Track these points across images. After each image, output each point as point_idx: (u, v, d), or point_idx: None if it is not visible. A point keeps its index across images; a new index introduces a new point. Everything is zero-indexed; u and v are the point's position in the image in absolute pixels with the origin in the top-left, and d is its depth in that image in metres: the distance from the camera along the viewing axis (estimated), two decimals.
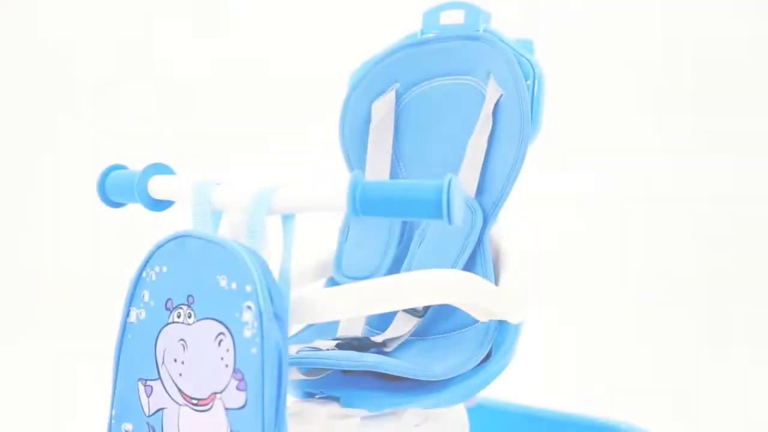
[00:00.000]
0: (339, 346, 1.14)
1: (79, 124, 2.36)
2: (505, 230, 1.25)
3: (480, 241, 1.20)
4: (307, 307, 0.96)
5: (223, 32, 2.49)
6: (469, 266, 1.20)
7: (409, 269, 1.22)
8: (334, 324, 1.25)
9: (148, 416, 0.97)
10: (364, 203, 0.90)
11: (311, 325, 1.28)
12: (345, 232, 1.29)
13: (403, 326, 1.19)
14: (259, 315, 0.89)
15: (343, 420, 1.09)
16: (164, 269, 0.96)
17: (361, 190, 0.90)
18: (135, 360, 0.98)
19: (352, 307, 0.97)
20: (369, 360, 1.06)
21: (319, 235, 1.31)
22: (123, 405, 0.99)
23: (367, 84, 1.33)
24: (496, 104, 1.23)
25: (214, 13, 2.48)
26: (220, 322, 0.92)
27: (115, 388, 1.00)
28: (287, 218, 0.97)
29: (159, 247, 0.97)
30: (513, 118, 1.21)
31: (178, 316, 0.95)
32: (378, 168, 1.31)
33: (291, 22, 2.51)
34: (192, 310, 0.94)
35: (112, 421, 1.00)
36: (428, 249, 1.22)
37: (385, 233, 1.27)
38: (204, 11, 2.48)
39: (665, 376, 2.24)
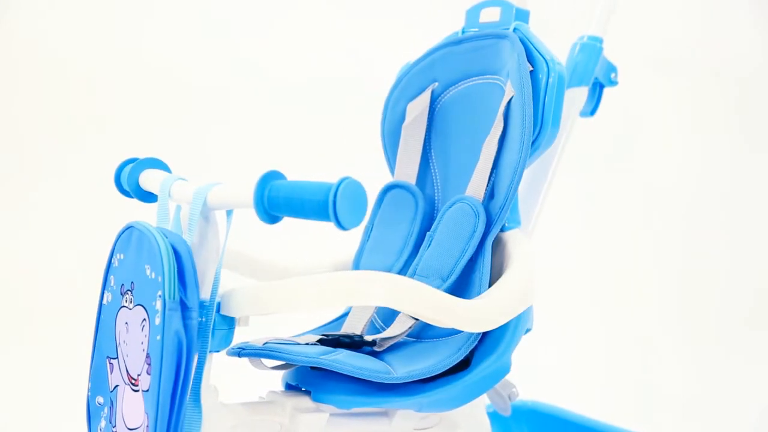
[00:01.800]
0: (321, 342, 1.16)
1: (75, 125, 2.39)
2: (517, 235, 1.20)
3: (482, 245, 1.17)
4: (233, 301, 0.99)
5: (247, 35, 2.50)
6: (469, 270, 1.17)
7: (414, 271, 1.21)
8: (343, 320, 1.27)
9: (110, 391, 1.05)
10: (271, 203, 0.92)
11: (335, 320, 1.30)
12: (368, 231, 1.30)
13: (400, 326, 1.18)
14: (164, 304, 0.93)
15: (310, 414, 1.10)
16: (122, 256, 1.04)
17: (268, 191, 0.92)
18: (105, 339, 1.07)
19: (266, 303, 0.99)
20: (325, 358, 1.07)
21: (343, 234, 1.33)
22: (96, 380, 1.08)
23: (407, 83, 1.33)
24: (508, 105, 1.19)
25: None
26: (145, 308, 0.97)
27: (91, 363, 1.09)
28: (228, 213, 1.01)
29: (119, 235, 1.05)
30: (518, 120, 1.17)
31: (126, 301, 1.02)
32: (406, 167, 1.30)
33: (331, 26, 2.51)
34: (133, 295, 1.00)
35: (89, 393, 1.09)
36: (434, 251, 1.20)
37: (404, 234, 1.27)
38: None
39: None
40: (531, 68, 1.19)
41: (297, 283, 1.00)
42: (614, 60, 1.36)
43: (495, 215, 1.18)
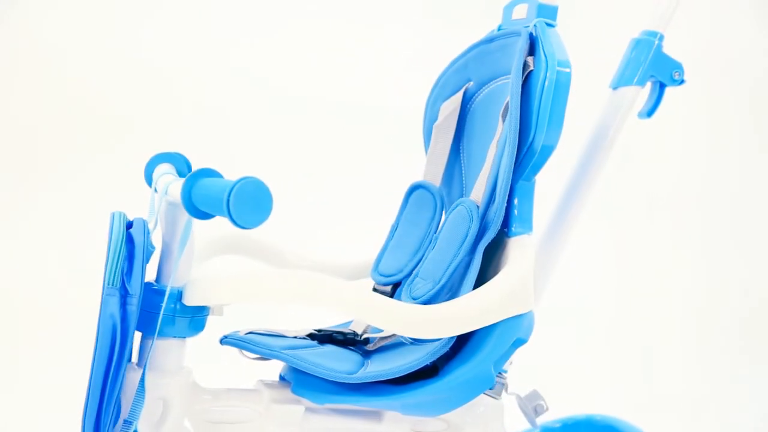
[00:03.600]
0: (311, 336, 1.18)
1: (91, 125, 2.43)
2: (521, 242, 1.15)
3: (473, 250, 1.13)
4: (193, 290, 1.04)
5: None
6: (462, 275, 1.14)
7: (417, 273, 1.19)
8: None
9: None
10: (197, 200, 0.96)
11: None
12: (393, 230, 1.30)
13: None
14: (102, 288, 1.00)
15: (284, 405, 1.13)
16: None
17: (193, 188, 0.96)
18: None
19: (222, 294, 1.03)
20: (287, 353, 1.09)
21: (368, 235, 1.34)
22: None
23: (444, 82, 1.31)
24: (505, 107, 1.14)
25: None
26: None
27: None
28: None
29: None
30: (509, 122, 1.12)
31: None
32: (433, 167, 1.29)
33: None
34: None
35: None
36: (434, 254, 1.18)
37: (422, 234, 1.25)
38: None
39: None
40: (532, 68, 1.14)
41: (252, 277, 1.04)
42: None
43: (491, 220, 1.14)
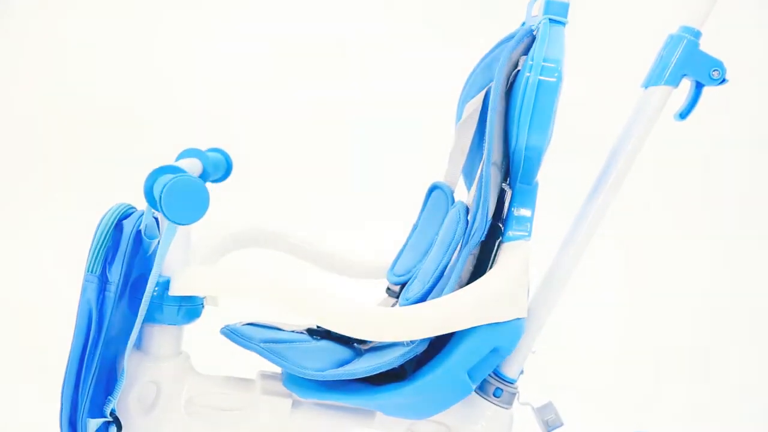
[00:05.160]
0: (309, 332, 1.19)
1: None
2: (515, 247, 1.10)
3: (460, 252, 1.10)
4: (175, 281, 1.09)
5: None
6: (448, 278, 1.12)
7: (416, 274, 1.18)
8: None
9: None
10: (158, 195, 1.01)
11: None
12: (413, 229, 1.29)
13: None
14: (84, 275, 1.07)
15: (271, 396, 1.15)
16: None
17: (155, 185, 1.02)
18: None
19: (196, 287, 1.08)
20: (263, 346, 1.12)
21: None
22: None
23: (472, 82, 1.28)
24: None
25: None
26: None
27: None
28: None
29: None
30: (487, 124, 1.08)
31: None
32: (452, 167, 1.28)
33: None
34: None
35: None
36: (431, 255, 1.17)
37: (434, 234, 1.24)
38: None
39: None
40: (519, 68, 1.09)
41: (228, 274, 1.08)
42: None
43: (483, 224, 1.10)
